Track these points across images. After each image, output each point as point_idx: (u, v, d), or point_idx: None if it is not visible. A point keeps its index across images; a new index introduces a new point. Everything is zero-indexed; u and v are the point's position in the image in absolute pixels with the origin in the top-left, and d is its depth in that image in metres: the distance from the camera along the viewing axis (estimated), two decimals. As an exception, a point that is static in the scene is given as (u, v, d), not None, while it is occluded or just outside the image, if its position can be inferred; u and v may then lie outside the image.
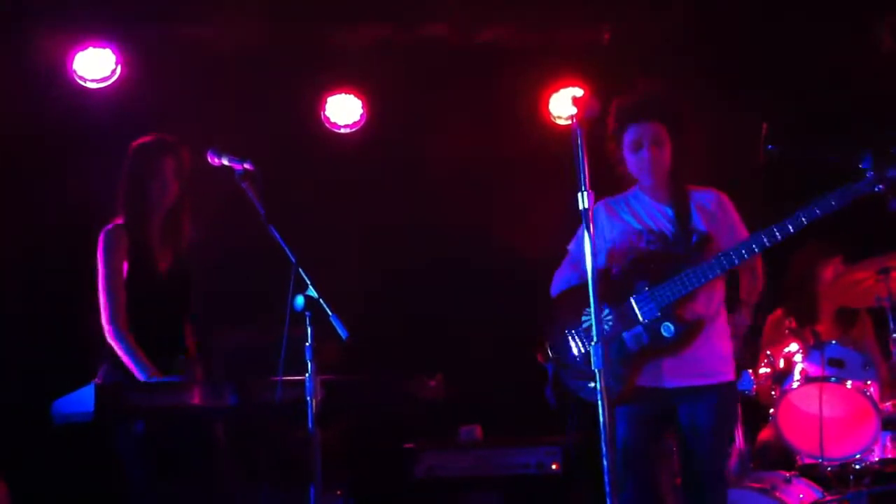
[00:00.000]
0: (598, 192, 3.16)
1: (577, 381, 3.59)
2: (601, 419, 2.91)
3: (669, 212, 3.65)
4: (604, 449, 2.91)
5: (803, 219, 3.41)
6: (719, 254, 3.49)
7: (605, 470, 2.90)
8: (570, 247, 3.84)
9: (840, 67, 5.63)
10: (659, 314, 3.50)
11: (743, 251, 3.46)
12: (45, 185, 5.39)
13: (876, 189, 3.41)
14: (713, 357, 3.56)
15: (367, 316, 5.45)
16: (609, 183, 3.72)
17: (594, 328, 2.97)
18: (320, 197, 5.78)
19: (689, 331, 3.49)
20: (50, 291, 5.30)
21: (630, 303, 3.54)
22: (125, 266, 3.89)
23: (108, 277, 3.85)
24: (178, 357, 3.95)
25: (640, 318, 3.52)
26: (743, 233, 3.64)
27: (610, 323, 3.56)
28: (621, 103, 3.71)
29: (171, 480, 3.79)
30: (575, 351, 3.62)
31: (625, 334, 3.54)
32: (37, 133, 5.36)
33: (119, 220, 3.94)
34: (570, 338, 3.65)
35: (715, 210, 3.66)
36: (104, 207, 4.00)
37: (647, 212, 3.69)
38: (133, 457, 3.76)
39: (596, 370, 2.95)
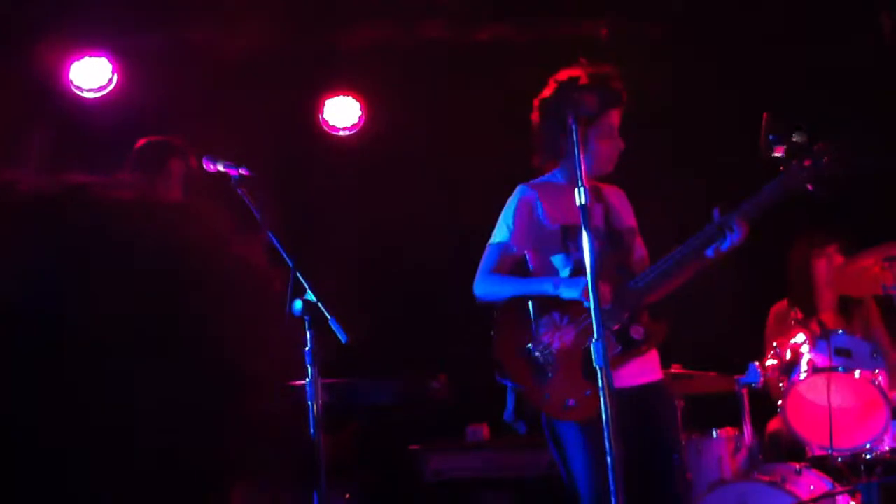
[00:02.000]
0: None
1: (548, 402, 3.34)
2: (604, 414, 2.87)
3: (598, 207, 3.50)
4: (608, 447, 2.88)
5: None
6: (671, 259, 3.38)
7: (609, 467, 2.87)
8: (499, 240, 3.53)
9: (842, 59, 5.58)
10: (626, 319, 3.36)
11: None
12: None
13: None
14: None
15: (369, 318, 5.47)
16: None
17: (594, 324, 2.92)
18: (320, 199, 5.76)
19: (656, 332, 3.40)
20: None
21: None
22: None
23: None
24: None
25: (608, 325, 3.32)
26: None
27: (570, 333, 3.36)
28: (605, 83, 3.47)
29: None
30: (545, 368, 3.35)
31: (594, 344, 3.25)
32: (34, 141, 5.34)
33: None
34: (530, 355, 3.39)
35: (625, 204, 3.61)
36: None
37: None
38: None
39: (598, 367, 2.91)
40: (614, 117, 3.48)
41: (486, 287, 3.52)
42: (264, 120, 5.61)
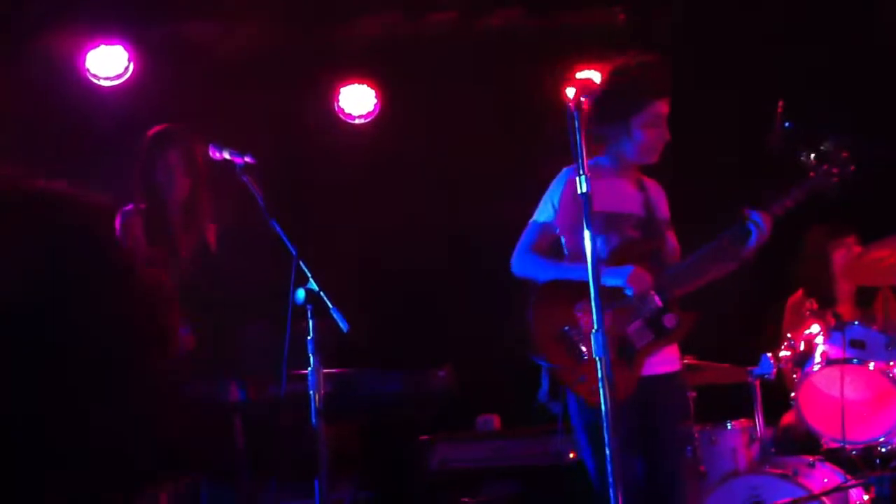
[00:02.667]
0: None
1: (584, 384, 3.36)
2: (603, 408, 2.85)
3: (640, 196, 3.56)
4: (606, 438, 2.86)
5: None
6: (701, 254, 3.46)
7: (608, 459, 2.85)
8: (543, 219, 3.56)
9: (855, 46, 5.50)
10: (661, 306, 3.41)
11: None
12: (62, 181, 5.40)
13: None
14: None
15: (382, 307, 5.46)
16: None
17: (594, 314, 2.91)
18: (334, 187, 5.75)
19: (686, 321, 3.45)
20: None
21: (629, 297, 3.41)
22: (143, 251, 3.87)
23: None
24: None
25: (643, 313, 3.41)
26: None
27: (607, 318, 3.24)
28: (654, 71, 3.50)
29: (189, 476, 3.78)
30: (581, 351, 3.37)
31: (627, 328, 3.41)
32: (50, 131, 5.38)
33: (138, 204, 3.95)
34: (567, 337, 3.41)
35: (662, 197, 3.64)
36: (119, 205, 4.00)
37: (625, 193, 3.55)
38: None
39: (597, 358, 2.89)
40: (660, 107, 3.49)
41: (525, 265, 3.54)
42: (280, 108, 5.62)
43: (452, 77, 5.85)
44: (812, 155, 3.58)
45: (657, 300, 3.41)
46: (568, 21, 5.94)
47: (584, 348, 3.37)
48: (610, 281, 3.34)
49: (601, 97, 3.39)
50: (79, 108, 5.46)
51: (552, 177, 3.60)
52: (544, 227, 3.54)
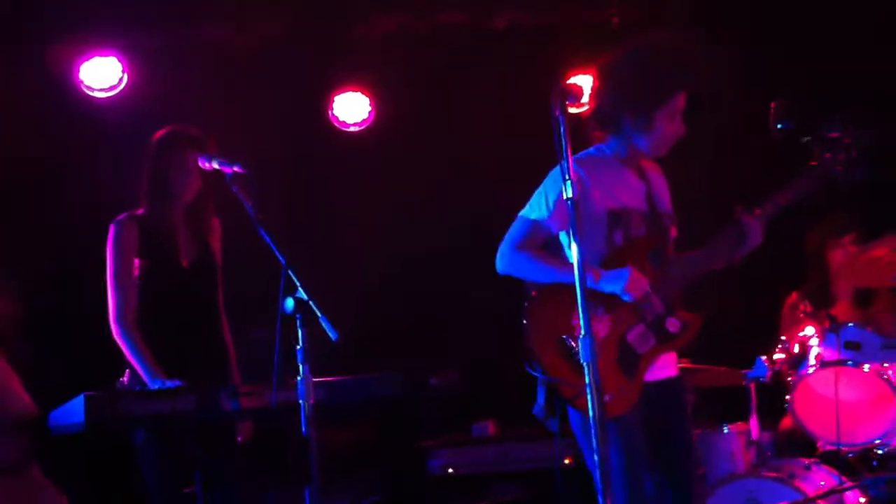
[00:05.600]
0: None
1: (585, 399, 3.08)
2: (591, 414, 2.81)
3: (643, 188, 3.35)
4: (595, 446, 2.82)
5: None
6: (702, 251, 3.31)
7: (595, 466, 2.81)
8: (534, 217, 3.30)
9: (851, 47, 5.49)
10: (662, 311, 3.25)
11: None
12: (55, 196, 5.42)
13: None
14: None
15: (375, 313, 5.47)
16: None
17: (582, 320, 2.84)
18: (329, 194, 5.76)
19: (691, 324, 3.27)
20: (62, 299, 5.33)
21: (628, 301, 3.21)
22: (137, 262, 3.83)
23: (116, 273, 3.76)
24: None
25: (644, 318, 3.25)
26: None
27: (606, 324, 3.22)
28: (679, 59, 3.24)
29: (189, 486, 3.78)
30: (580, 361, 3.05)
31: (628, 335, 3.24)
32: (46, 144, 5.39)
33: (134, 212, 3.90)
34: (566, 347, 3.21)
35: (663, 184, 3.44)
36: (114, 213, 3.98)
37: (629, 185, 3.33)
38: (141, 464, 3.76)
39: (585, 364, 2.84)
40: (682, 99, 3.28)
41: (511, 263, 3.32)
42: (274, 117, 5.63)
43: (448, 83, 5.86)
44: (814, 141, 3.44)
45: (659, 304, 3.26)
46: (563, 22, 5.94)
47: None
48: (607, 287, 3.19)
49: (626, 80, 3.22)
50: (74, 120, 5.48)
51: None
52: (535, 224, 3.29)
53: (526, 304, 3.29)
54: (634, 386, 3.22)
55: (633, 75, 3.24)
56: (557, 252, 3.37)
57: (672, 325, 3.26)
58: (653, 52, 3.27)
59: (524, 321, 3.26)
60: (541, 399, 3.30)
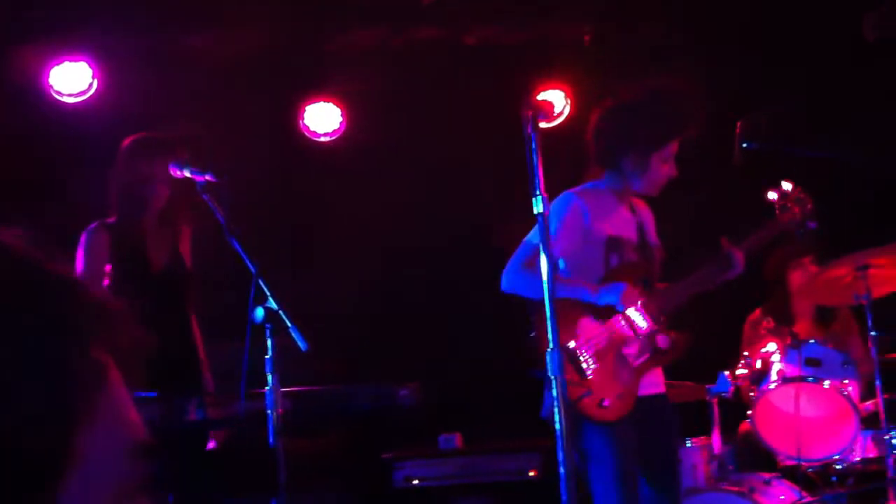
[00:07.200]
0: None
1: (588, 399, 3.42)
2: (558, 427, 2.87)
3: (634, 221, 3.60)
4: (560, 457, 2.88)
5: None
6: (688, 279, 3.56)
7: (562, 477, 2.86)
8: (536, 241, 3.43)
9: (826, 65, 5.58)
10: (655, 326, 3.46)
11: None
12: (26, 201, 5.37)
13: None
14: None
15: (347, 324, 5.47)
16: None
17: (550, 334, 2.93)
18: (300, 205, 5.77)
19: (679, 343, 3.51)
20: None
21: (628, 315, 3.46)
22: (108, 268, 3.83)
23: (87, 280, 3.79)
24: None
25: (637, 332, 3.46)
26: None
27: (604, 335, 3.46)
28: (688, 103, 3.51)
29: (155, 496, 3.75)
30: (584, 367, 3.41)
31: (623, 347, 3.46)
32: (14, 149, 5.35)
33: (104, 220, 3.89)
34: (571, 353, 3.43)
35: (651, 220, 3.70)
36: (84, 221, 3.96)
37: (624, 218, 3.59)
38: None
39: (553, 378, 2.92)
40: (676, 144, 3.51)
41: (516, 281, 3.50)
42: (245, 125, 5.62)
43: (420, 98, 5.89)
44: (775, 195, 3.75)
45: (649, 321, 3.45)
46: (536, 39, 5.99)
47: (586, 364, 3.43)
48: (604, 299, 3.41)
49: (625, 123, 3.46)
50: (43, 125, 5.44)
51: (525, 196, 3.56)
52: (538, 248, 3.38)
53: (535, 317, 3.46)
54: (629, 396, 3.45)
55: (637, 120, 3.46)
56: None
57: (662, 341, 3.48)
58: (655, 98, 3.49)
59: (535, 332, 3.44)
60: (547, 401, 3.47)
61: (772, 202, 3.76)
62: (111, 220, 3.88)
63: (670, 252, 3.74)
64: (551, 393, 3.34)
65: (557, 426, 2.88)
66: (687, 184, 3.71)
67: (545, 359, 3.20)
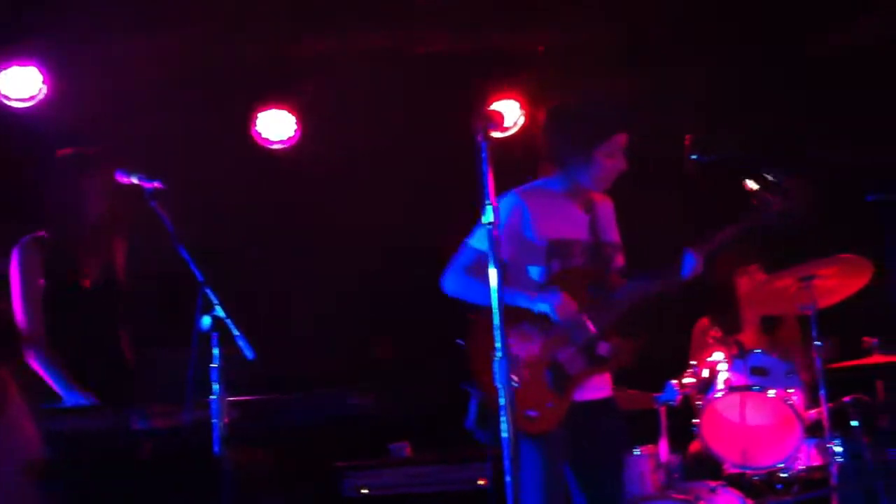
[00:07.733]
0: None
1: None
2: (504, 436, 2.87)
3: (587, 220, 3.54)
4: (507, 465, 2.88)
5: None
6: (639, 280, 3.47)
7: (508, 485, 2.86)
8: (477, 246, 3.48)
9: (774, 82, 5.66)
10: (596, 333, 3.40)
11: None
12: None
13: None
14: None
15: (298, 333, 5.45)
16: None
17: (498, 342, 2.92)
18: (252, 212, 5.74)
19: (624, 350, 3.46)
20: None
21: (564, 323, 3.39)
22: (41, 282, 3.80)
23: (24, 295, 3.74)
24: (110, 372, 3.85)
25: (573, 340, 3.41)
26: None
27: (537, 344, 3.41)
28: (616, 104, 3.58)
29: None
30: (515, 378, 3.18)
31: (559, 355, 3.41)
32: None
33: (36, 234, 3.86)
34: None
35: (611, 216, 3.65)
36: (31, 228, 3.92)
37: (572, 217, 3.54)
38: (46, 483, 3.69)
39: (499, 386, 2.91)
40: (623, 138, 3.51)
41: (457, 284, 3.53)
42: (198, 133, 5.59)
43: (374, 103, 5.88)
44: (754, 184, 3.65)
45: (591, 327, 3.40)
46: (494, 46, 6.01)
47: (515, 376, 3.22)
48: (538, 306, 3.38)
49: (567, 122, 3.51)
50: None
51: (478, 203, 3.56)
52: (479, 253, 3.45)
53: (468, 327, 3.45)
54: (562, 405, 3.39)
55: (574, 118, 3.50)
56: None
57: (603, 349, 3.43)
58: (592, 97, 3.58)
59: (466, 343, 3.43)
60: (473, 413, 3.45)
61: (748, 190, 3.65)
62: (42, 233, 3.85)
63: (641, 251, 3.65)
64: (475, 402, 3.41)
65: (504, 434, 2.87)
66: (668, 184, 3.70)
67: (475, 371, 3.31)
